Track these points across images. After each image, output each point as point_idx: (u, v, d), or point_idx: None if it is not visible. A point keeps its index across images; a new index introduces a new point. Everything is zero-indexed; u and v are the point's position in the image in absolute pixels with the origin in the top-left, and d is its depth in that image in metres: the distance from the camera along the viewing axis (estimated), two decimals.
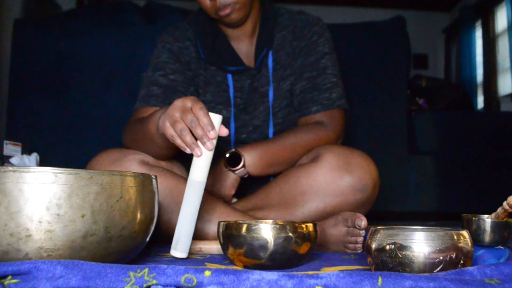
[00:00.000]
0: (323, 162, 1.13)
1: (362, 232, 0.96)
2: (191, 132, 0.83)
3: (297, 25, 1.32)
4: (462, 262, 0.62)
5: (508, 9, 3.94)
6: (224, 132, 0.86)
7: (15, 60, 2.18)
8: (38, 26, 2.22)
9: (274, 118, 1.31)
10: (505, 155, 2.40)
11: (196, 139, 0.83)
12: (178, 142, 0.84)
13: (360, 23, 2.41)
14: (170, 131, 0.86)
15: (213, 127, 0.82)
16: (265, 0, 1.33)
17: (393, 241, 0.63)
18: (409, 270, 0.61)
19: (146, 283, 0.55)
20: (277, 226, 0.74)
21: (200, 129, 0.82)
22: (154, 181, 0.76)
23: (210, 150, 0.83)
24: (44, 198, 0.61)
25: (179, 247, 0.84)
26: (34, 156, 1.78)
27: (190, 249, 0.95)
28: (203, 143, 0.82)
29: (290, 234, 0.74)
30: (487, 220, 0.87)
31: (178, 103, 0.86)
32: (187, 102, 0.85)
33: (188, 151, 0.84)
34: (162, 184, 1.03)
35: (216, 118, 0.84)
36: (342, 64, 1.39)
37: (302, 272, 0.61)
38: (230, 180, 1.19)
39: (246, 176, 1.20)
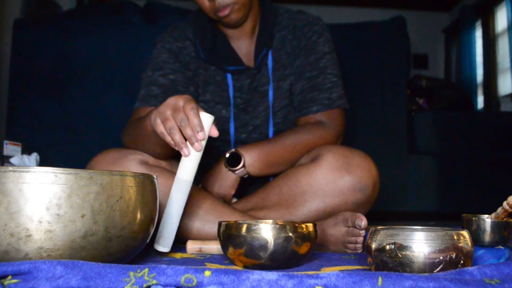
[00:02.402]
0: (323, 162, 1.13)
1: (362, 232, 0.96)
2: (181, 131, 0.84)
3: (297, 25, 1.32)
4: (462, 262, 0.62)
5: (508, 9, 3.94)
6: (215, 133, 0.86)
7: (15, 60, 2.18)
8: (38, 26, 2.22)
9: (274, 117, 1.31)
10: (505, 155, 2.40)
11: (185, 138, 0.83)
12: (168, 139, 0.85)
13: (360, 23, 2.41)
14: (160, 128, 0.86)
15: (202, 128, 0.82)
16: None
17: (393, 241, 0.63)
18: (409, 270, 0.61)
19: (146, 283, 0.55)
20: (277, 226, 0.74)
21: (189, 129, 0.82)
22: (154, 181, 0.76)
23: (199, 151, 0.83)
24: (44, 198, 0.61)
25: (162, 242, 0.85)
26: (34, 156, 1.78)
27: (190, 249, 0.95)
28: (192, 144, 0.82)
29: (290, 234, 0.74)
30: (487, 220, 0.87)
31: (171, 101, 0.86)
32: (180, 100, 0.85)
33: (177, 149, 0.84)
34: (162, 184, 1.03)
35: (208, 119, 0.84)
36: (342, 64, 1.39)
37: (302, 272, 0.61)
38: (230, 180, 1.19)
39: (246, 176, 1.20)
